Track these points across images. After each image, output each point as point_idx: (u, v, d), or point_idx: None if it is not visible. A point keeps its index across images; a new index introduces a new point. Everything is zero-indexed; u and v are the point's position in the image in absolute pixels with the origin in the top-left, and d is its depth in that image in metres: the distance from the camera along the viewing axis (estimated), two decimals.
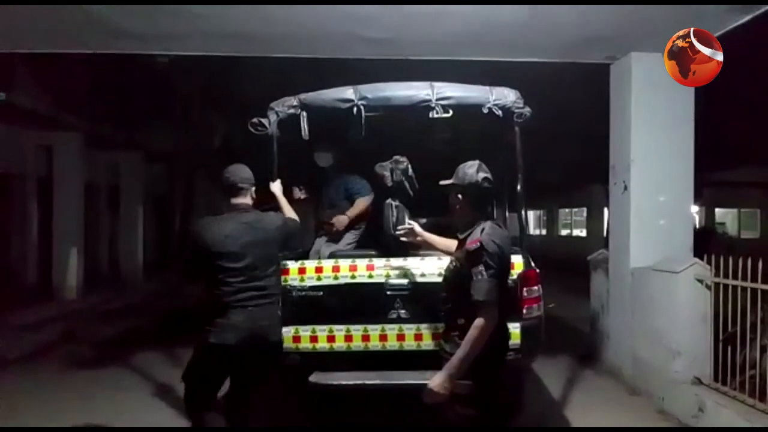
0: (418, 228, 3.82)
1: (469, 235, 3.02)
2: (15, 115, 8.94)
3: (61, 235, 10.88)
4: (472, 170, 3.10)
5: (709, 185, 16.92)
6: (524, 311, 4.05)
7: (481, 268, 2.83)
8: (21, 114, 8.99)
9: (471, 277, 2.86)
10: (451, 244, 3.55)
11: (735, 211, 22.05)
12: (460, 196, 3.10)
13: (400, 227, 3.98)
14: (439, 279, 3.96)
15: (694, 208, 18.85)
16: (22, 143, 10.48)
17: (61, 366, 6.88)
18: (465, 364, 2.80)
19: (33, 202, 11.11)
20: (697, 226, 18.86)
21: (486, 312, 2.81)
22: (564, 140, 12.77)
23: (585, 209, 22.90)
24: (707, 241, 10.79)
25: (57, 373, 6.60)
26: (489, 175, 3.12)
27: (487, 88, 4.28)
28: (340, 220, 4.99)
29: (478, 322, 2.79)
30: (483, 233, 2.93)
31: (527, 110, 4.25)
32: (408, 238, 3.92)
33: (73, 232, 10.96)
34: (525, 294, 4.06)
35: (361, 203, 5.08)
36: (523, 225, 4.44)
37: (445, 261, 3.97)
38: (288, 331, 4.10)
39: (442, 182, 3.22)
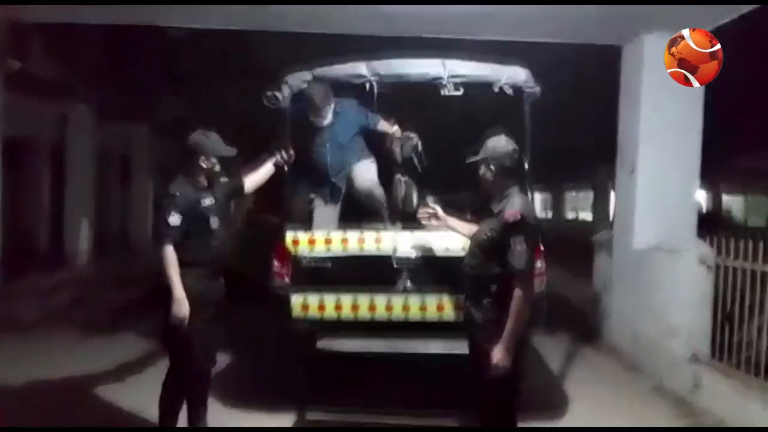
0: (441, 212, 3.78)
1: (503, 206, 3.14)
2: (29, 84, 9.00)
3: (72, 203, 11.02)
4: (502, 142, 3.26)
5: (717, 171, 16.86)
6: None
7: (521, 238, 3.01)
8: (35, 83, 9.06)
9: (508, 246, 3.02)
10: (473, 228, 3.58)
11: (742, 198, 21.98)
12: (492, 167, 3.21)
13: (422, 210, 3.91)
14: (446, 253, 4.12)
15: (701, 195, 18.89)
16: (35, 112, 10.55)
17: (73, 329, 7.07)
18: (518, 335, 3.03)
19: (46, 170, 11.25)
20: (704, 213, 18.88)
21: (526, 280, 3.05)
22: (572, 122, 12.73)
23: (592, 192, 22.89)
24: (712, 228, 10.82)
25: (70, 336, 6.79)
26: (516, 147, 3.26)
27: (498, 66, 4.33)
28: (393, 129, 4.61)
29: (520, 292, 3.00)
30: (520, 205, 3.09)
31: (538, 89, 4.31)
32: (429, 222, 3.89)
33: (85, 200, 11.12)
34: None
35: (384, 123, 4.66)
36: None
37: (454, 235, 4.09)
38: (297, 299, 4.23)
39: (471, 159, 3.30)
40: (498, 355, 3.02)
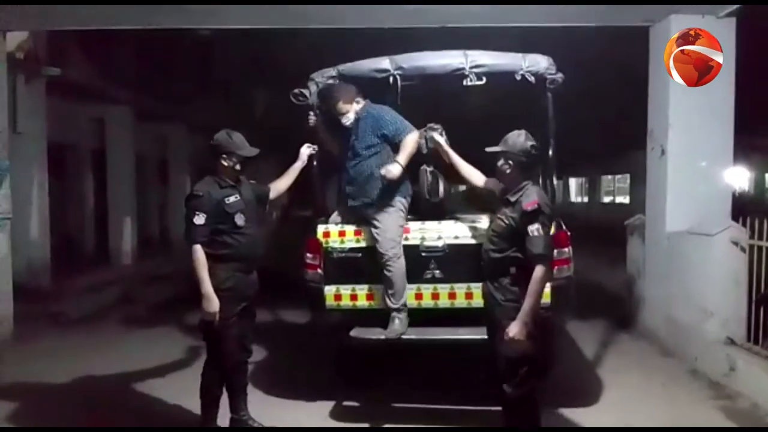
0: (444, 143, 4.11)
1: (520, 196, 3.38)
2: (69, 90, 9.38)
3: (115, 204, 11.48)
4: (522, 138, 3.47)
5: (759, 150, 16.34)
6: (555, 271, 4.16)
7: (538, 225, 3.28)
8: (75, 89, 9.44)
9: (525, 233, 3.29)
10: (474, 174, 3.93)
11: None
12: (510, 161, 3.44)
13: (430, 125, 4.22)
14: (473, 241, 4.20)
15: (740, 175, 18.33)
16: (76, 117, 10.97)
17: (118, 325, 7.39)
18: (534, 313, 3.27)
19: (88, 172, 11.70)
20: (746, 192, 18.36)
21: (544, 264, 3.30)
22: (607, 107, 12.58)
23: (628, 176, 22.50)
24: (752, 208, 10.58)
25: (115, 331, 7.10)
26: (535, 143, 3.47)
27: (519, 55, 4.35)
28: (391, 171, 4.05)
29: (538, 274, 3.27)
30: (537, 195, 3.35)
31: (560, 76, 4.31)
32: (432, 144, 4.17)
33: (126, 201, 11.56)
34: (555, 255, 4.17)
35: (410, 142, 4.17)
36: (554, 190, 4.54)
37: (480, 225, 4.18)
38: (330, 290, 4.36)
39: (490, 149, 3.51)
40: (514, 329, 3.24)
